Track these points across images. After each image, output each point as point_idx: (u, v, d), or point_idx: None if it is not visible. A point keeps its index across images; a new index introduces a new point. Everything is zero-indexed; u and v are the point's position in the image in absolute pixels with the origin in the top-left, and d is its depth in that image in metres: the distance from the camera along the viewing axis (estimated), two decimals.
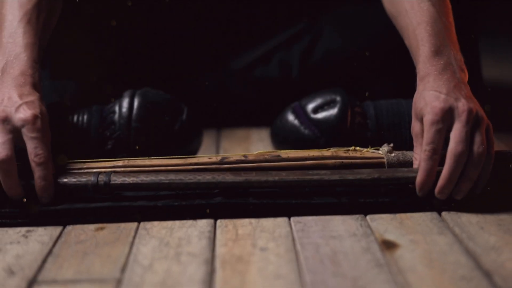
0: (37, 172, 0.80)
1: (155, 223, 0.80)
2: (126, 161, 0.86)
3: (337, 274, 0.67)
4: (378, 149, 0.88)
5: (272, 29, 1.20)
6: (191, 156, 0.88)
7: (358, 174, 0.83)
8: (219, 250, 0.73)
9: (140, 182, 0.82)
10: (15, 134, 0.80)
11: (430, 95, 0.81)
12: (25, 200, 0.80)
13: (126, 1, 1.15)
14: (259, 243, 0.74)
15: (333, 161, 0.86)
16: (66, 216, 0.80)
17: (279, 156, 0.87)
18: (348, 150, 0.89)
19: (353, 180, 0.82)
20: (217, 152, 1.10)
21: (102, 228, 0.79)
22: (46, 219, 0.80)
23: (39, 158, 0.79)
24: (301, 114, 1.02)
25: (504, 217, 0.79)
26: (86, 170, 0.84)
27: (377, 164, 0.86)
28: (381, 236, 0.75)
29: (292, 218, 0.80)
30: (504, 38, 1.90)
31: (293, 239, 0.75)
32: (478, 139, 0.78)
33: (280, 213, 0.81)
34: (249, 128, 1.23)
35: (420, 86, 0.84)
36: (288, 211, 0.81)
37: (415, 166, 0.83)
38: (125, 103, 0.98)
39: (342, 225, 0.78)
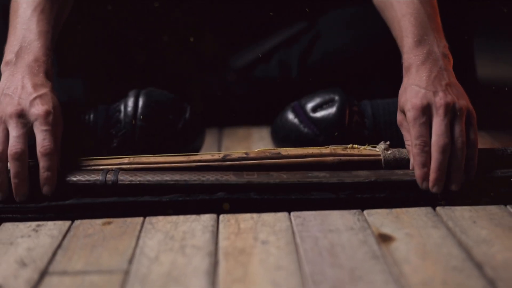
0: (42, 162, 0.82)
1: (160, 217, 0.81)
2: (132, 158, 0.88)
3: (335, 265, 0.68)
4: (375, 147, 0.90)
5: (272, 29, 1.21)
6: (194, 153, 0.90)
7: (356, 177, 0.84)
8: (222, 243, 0.74)
9: (146, 182, 0.83)
10: (29, 127, 0.83)
11: (411, 90, 0.85)
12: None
13: (127, 1, 1.16)
14: (260, 237, 0.75)
15: (331, 158, 0.88)
16: (74, 211, 0.82)
17: (279, 153, 0.88)
18: (346, 147, 0.90)
19: (351, 183, 0.84)
20: (219, 150, 1.11)
21: (109, 223, 0.80)
22: (55, 214, 0.82)
23: (45, 149, 0.82)
24: (300, 113, 1.04)
25: (495, 212, 0.81)
26: (93, 167, 0.86)
27: (374, 161, 0.88)
28: (378, 229, 0.77)
29: (292, 213, 0.82)
30: (499, 38, 1.91)
31: (293, 233, 0.76)
32: (457, 129, 0.82)
33: (280, 208, 0.83)
34: (250, 127, 1.24)
35: (404, 78, 0.88)
36: (288, 206, 0.83)
37: (410, 155, 0.85)
38: (130, 102, 0.99)
39: (340, 219, 0.79)
